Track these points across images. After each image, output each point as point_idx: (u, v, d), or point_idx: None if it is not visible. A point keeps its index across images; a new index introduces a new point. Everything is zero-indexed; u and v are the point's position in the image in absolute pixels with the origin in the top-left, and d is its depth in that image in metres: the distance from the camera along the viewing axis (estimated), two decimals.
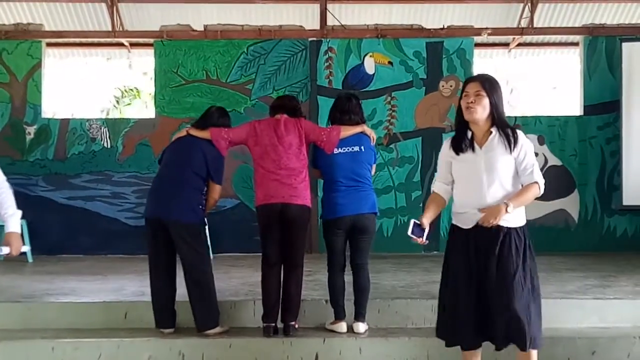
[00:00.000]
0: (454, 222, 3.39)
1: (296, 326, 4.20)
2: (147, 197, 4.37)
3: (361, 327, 4.22)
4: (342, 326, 4.22)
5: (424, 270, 6.18)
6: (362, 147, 4.28)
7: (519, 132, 3.33)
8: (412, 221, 3.29)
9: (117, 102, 16.41)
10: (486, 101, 3.23)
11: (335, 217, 4.19)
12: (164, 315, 4.23)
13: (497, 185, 3.26)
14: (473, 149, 3.29)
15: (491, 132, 3.28)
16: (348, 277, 4.31)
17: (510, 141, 3.26)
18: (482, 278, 3.17)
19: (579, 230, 7.88)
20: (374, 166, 4.46)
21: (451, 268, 3.31)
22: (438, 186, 3.57)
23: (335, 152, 4.24)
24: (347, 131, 4.28)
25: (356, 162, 4.25)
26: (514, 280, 3.12)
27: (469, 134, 3.31)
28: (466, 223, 3.28)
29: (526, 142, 3.33)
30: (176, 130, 7.67)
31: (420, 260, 7.04)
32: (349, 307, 4.28)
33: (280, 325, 4.20)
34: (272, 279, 4.19)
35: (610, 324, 4.41)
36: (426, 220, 3.32)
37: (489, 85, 3.26)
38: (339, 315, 4.24)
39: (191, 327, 4.25)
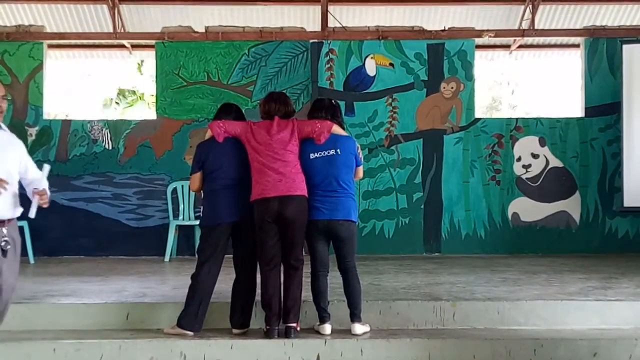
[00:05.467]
0: None
1: (297, 328, 4.20)
2: (211, 203, 4.30)
3: (357, 328, 4.21)
4: (326, 328, 4.22)
5: (425, 272, 6.18)
6: (338, 151, 4.24)
7: None
8: None
9: (118, 102, 16.41)
10: None
11: (309, 219, 4.20)
12: (203, 317, 4.25)
13: None
14: None
15: None
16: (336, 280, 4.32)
17: None
18: None
19: (580, 231, 7.87)
20: (360, 169, 4.43)
21: None
22: None
23: (311, 157, 4.24)
24: (338, 129, 4.30)
25: (333, 166, 4.23)
26: None
27: None
28: None
29: None
30: (177, 132, 7.78)
31: (421, 261, 7.04)
32: (343, 309, 4.29)
33: (281, 327, 4.19)
34: (272, 281, 4.19)
35: (611, 325, 4.42)
36: None
37: None
38: (322, 318, 4.24)
39: None
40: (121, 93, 16.26)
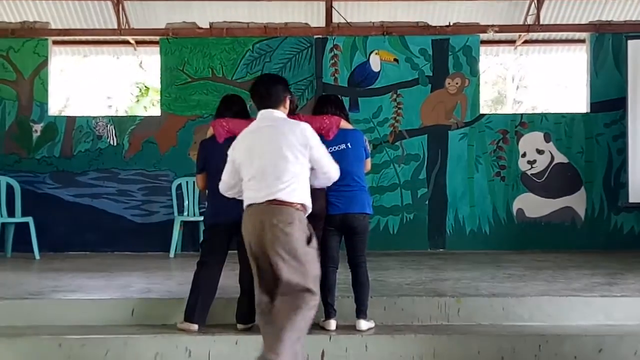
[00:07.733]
0: None
1: None
2: (213, 203, 4.29)
3: (363, 324, 4.20)
4: (331, 324, 4.22)
5: (430, 268, 6.18)
6: (349, 144, 4.24)
7: None
8: None
9: (137, 100, 16.34)
10: None
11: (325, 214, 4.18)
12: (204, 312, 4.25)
13: None
14: None
15: None
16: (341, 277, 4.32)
17: None
18: None
19: (585, 227, 7.85)
20: (368, 161, 4.43)
21: None
22: None
23: None
24: (345, 123, 4.30)
25: (345, 160, 4.18)
26: None
27: None
28: None
29: None
30: (182, 128, 7.79)
31: (426, 257, 7.04)
32: (347, 305, 4.29)
33: None
34: None
35: (617, 321, 4.40)
36: None
37: None
38: (328, 314, 4.24)
39: None
40: (141, 90, 16.19)
